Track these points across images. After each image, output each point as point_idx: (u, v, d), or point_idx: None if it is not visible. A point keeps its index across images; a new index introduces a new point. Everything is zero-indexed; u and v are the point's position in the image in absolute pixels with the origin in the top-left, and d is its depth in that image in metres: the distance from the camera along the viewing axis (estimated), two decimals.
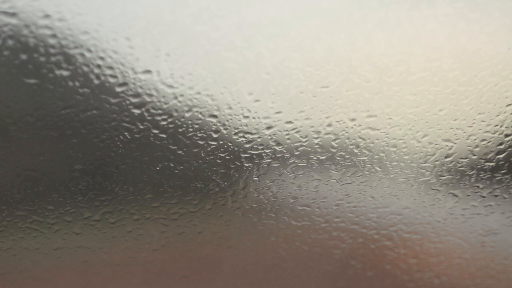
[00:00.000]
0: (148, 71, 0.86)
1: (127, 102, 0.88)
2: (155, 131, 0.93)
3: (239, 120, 0.95)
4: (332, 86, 0.95)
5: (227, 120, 0.95)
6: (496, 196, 1.14)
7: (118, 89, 0.87)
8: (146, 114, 0.90)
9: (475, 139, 1.05)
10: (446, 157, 1.07)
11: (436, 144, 1.05)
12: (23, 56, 0.80)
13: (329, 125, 0.99)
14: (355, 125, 1.00)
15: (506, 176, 1.11)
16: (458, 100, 1.00)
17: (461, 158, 1.07)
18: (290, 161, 1.03)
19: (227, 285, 1.20)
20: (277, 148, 1.00)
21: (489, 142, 1.06)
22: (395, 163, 1.07)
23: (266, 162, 1.02)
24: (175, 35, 0.85)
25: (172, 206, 1.04)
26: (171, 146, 0.95)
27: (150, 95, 0.89)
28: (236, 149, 0.99)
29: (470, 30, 0.94)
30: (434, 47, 0.94)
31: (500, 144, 1.06)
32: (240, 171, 1.02)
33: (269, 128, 0.97)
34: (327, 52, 0.92)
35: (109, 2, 0.80)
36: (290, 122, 0.97)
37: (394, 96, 0.98)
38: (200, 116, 0.93)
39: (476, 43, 0.95)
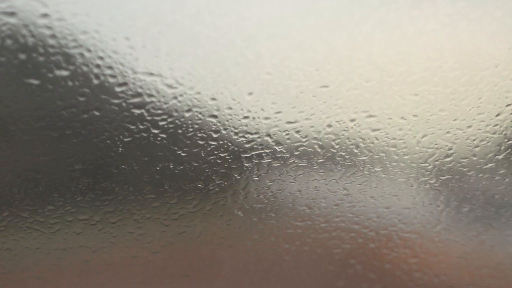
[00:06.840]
0: (148, 71, 0.86)
1: (127, 102, 0.88)
2: (155, 131, 0.93)
3: (239, 120, 0.95)
4: (332, 86, 0.95)
5: (227, 120, 0.95)
6: (495, 196, 1.14)
7: (118, 89, 0.87)
8: (146, 114, 0.90)
9: (475, 139, 1.05)
10: (446, 157, 1.07)
11: (436, 144, 1.05)
12: (22, 56, 0.80)
13: (329, 125, 0.99)
14: (355, 125, 1.00)
15: (506, 176, 1.11)
16: (458, 100, 1.00)
17: (461, 158, 1.07)
18: (290, 161, 1.03)
19: (227, 285, 1.20)
20: (277, 148, 1.00)
21: (489, 142, 1.05)
22: (395, 163, 1.06)
23: (266, 162, 1.02)
24: (175, 35, 0.85)
25: (172, 206, 1.04)
26: (171, 146, 0.95)
27: (150, 95, 0.88)
28: (236, 149, 0.99)
29: (470, 30, 0.93)
30: (434, 47, 0.94)
31: (500, 144, 1.06)
32: (240, 171, 1.02)
33: (269, 128, 0.97)
34: (327, 51, 0.92)
35: (109, 2, 0.80)
36: (290, 122, 0.97)
37: (394, 96, 0.98)
38: (200, 116, 0.93)
39: (476, 42, 0.95)
